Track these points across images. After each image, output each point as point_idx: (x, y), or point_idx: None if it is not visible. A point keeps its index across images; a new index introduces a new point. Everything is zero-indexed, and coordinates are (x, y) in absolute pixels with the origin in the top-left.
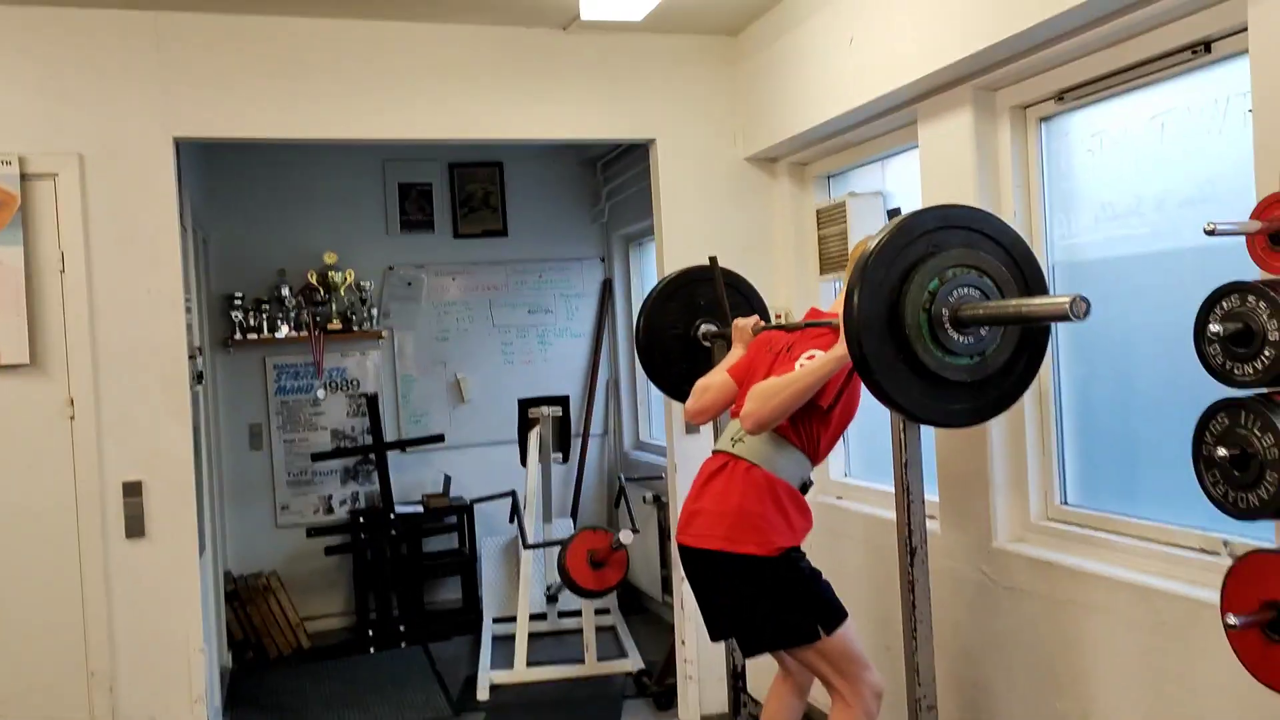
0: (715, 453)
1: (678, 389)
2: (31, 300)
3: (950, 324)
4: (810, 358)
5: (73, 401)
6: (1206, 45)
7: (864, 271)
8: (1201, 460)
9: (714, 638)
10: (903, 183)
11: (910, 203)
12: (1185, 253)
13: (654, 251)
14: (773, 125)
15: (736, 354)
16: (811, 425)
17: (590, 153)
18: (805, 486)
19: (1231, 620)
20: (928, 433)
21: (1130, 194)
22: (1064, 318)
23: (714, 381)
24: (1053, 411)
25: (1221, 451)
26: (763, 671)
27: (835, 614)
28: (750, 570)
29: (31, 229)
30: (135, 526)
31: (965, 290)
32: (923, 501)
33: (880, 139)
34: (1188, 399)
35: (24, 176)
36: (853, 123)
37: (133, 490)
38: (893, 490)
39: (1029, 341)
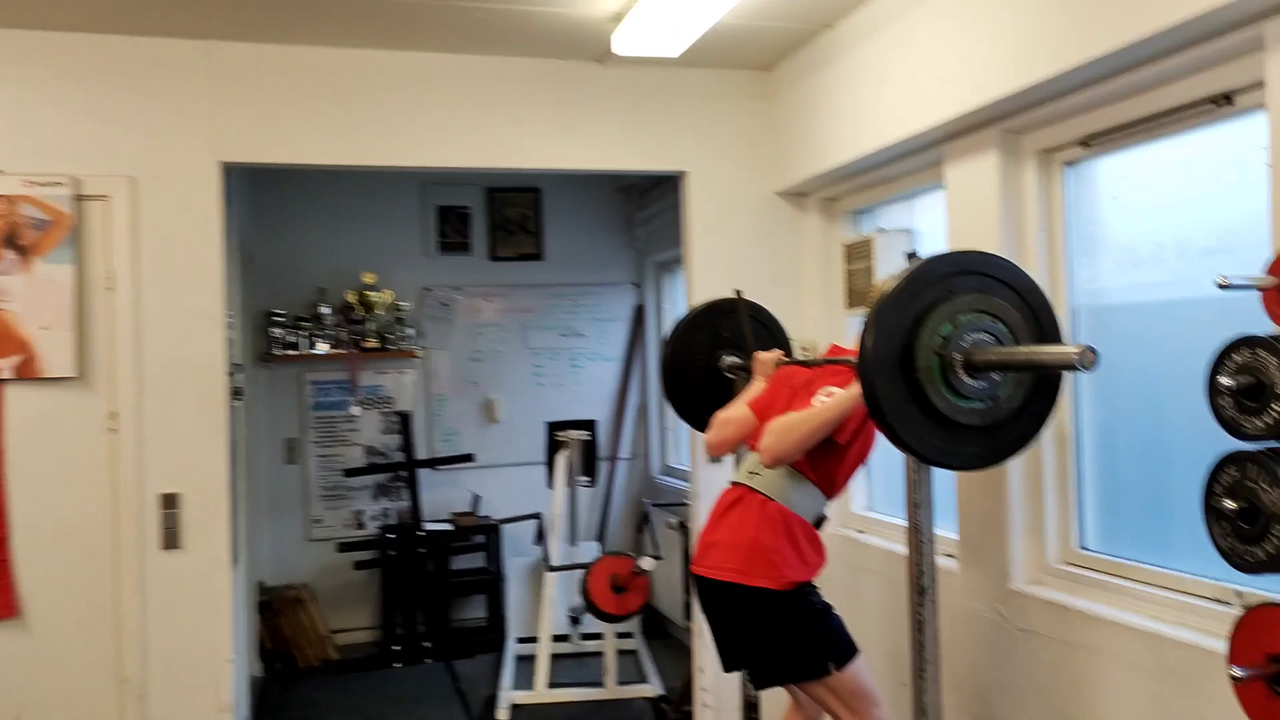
0: (732, 484)
1: (700, 419)
2: (81, 316)
3: (962, 368)
4: (829, 395)
5: (116, 415)
6: (1228, 97)
7: (877, 315)
8: (1211, 512)
9: (726, 668)
10: (931, 220)
11: (937, 241)
12: (1206, 301)
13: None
14: (803, 160)
15: (758, 387)
16: (828, 461)
17: (626, 180)
18: (820, 521)
19: (1236, 673)
20: (948, 472)
21: (1152, 240)
22: (1072, 367)
23: (734, 414)
24: (1072, 456)
25: (1229, 504)
26: (777, 703)
27: (846, 650)
28: (762, 604)
29: (83, 248)
30: (171, 538)
31: (978, 335)
32: (933, 541)
33: (909, 177)
34: (1208, 448)
35: (77, 198)
36: (881, 161)
37: (170, 502)
38: None
39: (1043, 386)
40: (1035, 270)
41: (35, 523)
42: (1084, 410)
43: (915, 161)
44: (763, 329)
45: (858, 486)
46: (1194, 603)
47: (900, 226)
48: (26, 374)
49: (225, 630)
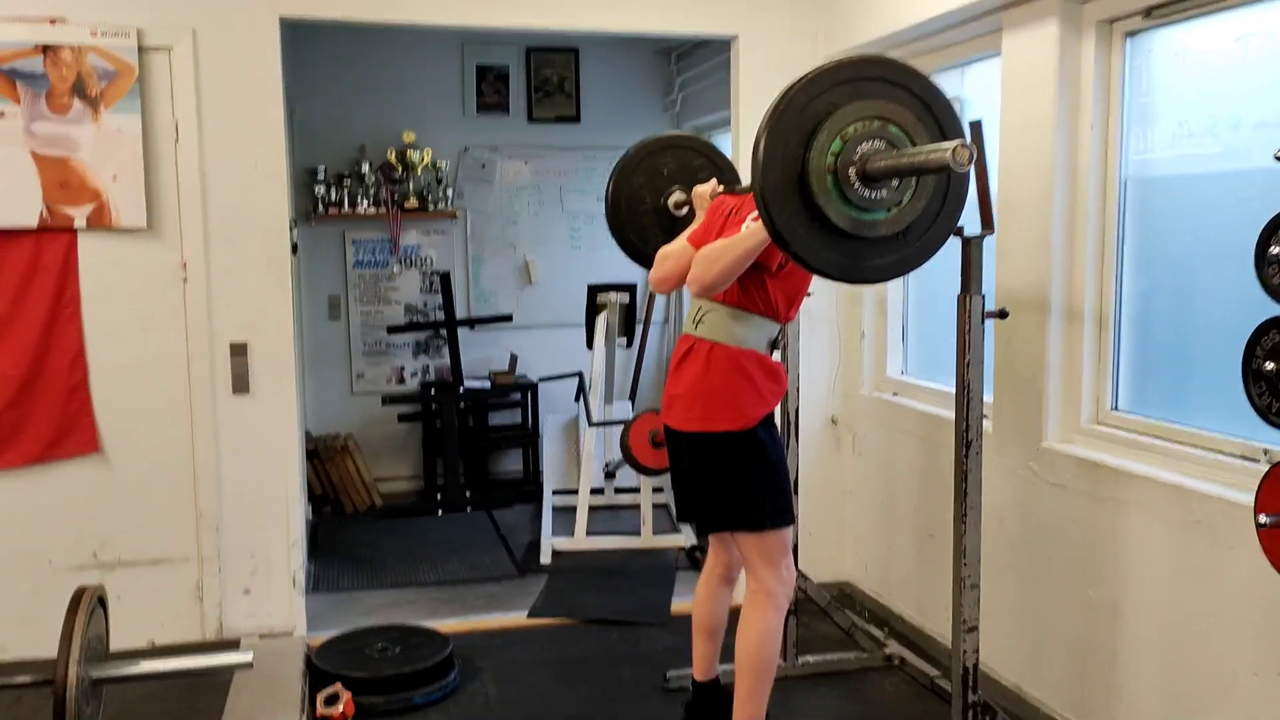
0: (682, 336)
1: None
2: (148, 168)
3: (859, 180)
4: (755, 219)
5: (185, 265)
6: None
7: (762, 149)
8: (1250, 373)
9: (680, 517)
10: (981, 89)
11: (989, 111)
12: (1256, 174)
13: (724, 145)
14: (856, 26)
15: (697, 221)
16: (765, 288)
17: (665, 44)
18: (774, 345)
19: (1262, 519)
20: (987, 335)
21: (1207, 113)
22: (946, 168)
23: (674, 249)
24: (1112, 322)
25: (1270, 366)
26: (806, 554)
27: (785, 515)
28: (726, 444)
29: (148, 99)
30: (240, 384)
31: (871, 144)
32: (981, 399)
33: (963, 45)
34: (1245, 316)
35: (141, 49)
36: (938, 28)
37: (239, 350)
38: (946, 389)
39: (946, 187)
40: (1088, 140)
41: (113, 366)
42: (1125, 279)
43: (972, 29)
44: (711, 165)
45: (894, 351)
46: (1220, 459)
47: (950, 95)
48: (99, 223)
49: (293, 471)
